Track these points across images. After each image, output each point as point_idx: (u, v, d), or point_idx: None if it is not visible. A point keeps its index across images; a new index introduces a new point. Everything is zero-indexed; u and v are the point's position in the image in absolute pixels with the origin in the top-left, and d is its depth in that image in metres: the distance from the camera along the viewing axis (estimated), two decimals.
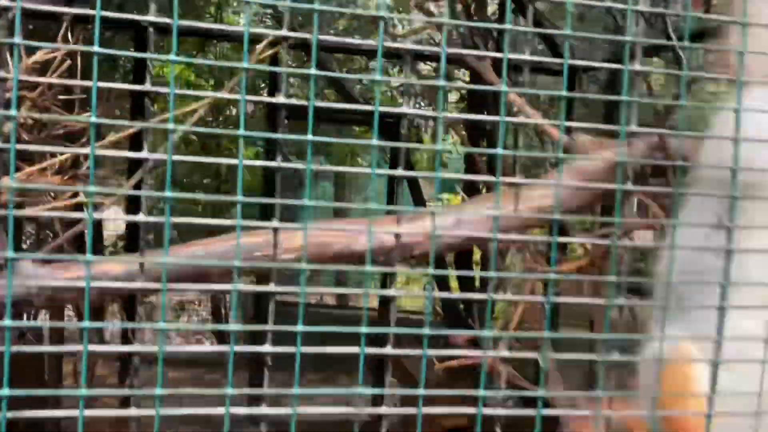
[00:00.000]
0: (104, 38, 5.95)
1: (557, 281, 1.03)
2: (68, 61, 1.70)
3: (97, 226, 7.08)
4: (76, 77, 1.98)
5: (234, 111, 7.53)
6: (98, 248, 6.74)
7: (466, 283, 5.77)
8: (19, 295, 1.44)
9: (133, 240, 4.75)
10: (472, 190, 5.28)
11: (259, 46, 1.92)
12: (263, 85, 6.81)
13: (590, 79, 5.97)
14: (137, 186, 4.79)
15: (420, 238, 1.40)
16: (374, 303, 7.93)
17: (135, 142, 4.62)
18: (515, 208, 1.49)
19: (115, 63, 5.90)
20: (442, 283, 5.93)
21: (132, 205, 4.61)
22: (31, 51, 1.84)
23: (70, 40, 1.80)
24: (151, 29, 0.61)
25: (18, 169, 1.86)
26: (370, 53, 6.43)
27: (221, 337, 7.44)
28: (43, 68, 1.76)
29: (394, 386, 5.52)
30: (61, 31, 1.81)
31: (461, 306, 5.92)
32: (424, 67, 6.21)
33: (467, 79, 6.51)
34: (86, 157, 1.94)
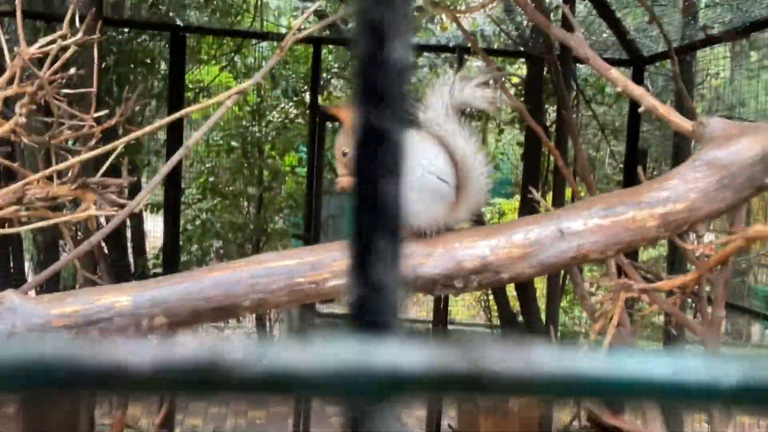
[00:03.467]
0: (140, 40, 5.79)
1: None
2: (71, 49, 1.42)
3: (139, 236, 6.93)
4: (90, 69, 1.70)
5: (275, 116, 7.30)
6: (140, 261, 6.58)
7: (522, 296, 5.38)
8: (1, 335, 1.16)
9: (173, 251, 4.53)
10: (527, 193, 4.89)
11: (284, 42, 1.61)
12: (305, 87, 6.56)
13: (656, 70, 5.52)
14: (174, 195, 4.49)
15: (516, 254, 1.07)
16: (422, 314, 7.59)
17: (172, 144, 4.39)
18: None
19: (152, 64, 5.72)
20: (500, 293, 5.56)
21: (170, 214, 4.38)
22: (33, 39, 1.57)
23: (77, 24, 1.53)
24: None
25: (17, 177, 1.60)
26: (416, 49, 6.11)
27: None
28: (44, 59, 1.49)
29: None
30: (68, 16, 1.54)
31: (519, 320, 5.53)
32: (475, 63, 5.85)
33: (523, 71, 6.14)
34: (97, 164, 1.66)
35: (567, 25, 4.16)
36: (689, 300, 2.23)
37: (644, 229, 1.12)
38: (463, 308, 7.55)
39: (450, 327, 6.12)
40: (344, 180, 1.26)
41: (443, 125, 1.21)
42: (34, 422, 2.60)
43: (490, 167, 1.25)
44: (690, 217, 1.13)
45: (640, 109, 1.35)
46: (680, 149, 4.79)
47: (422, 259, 1.13)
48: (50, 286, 4.26)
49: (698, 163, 1.15)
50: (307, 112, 5.77)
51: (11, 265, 5.28)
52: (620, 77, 1.37)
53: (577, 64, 4.76)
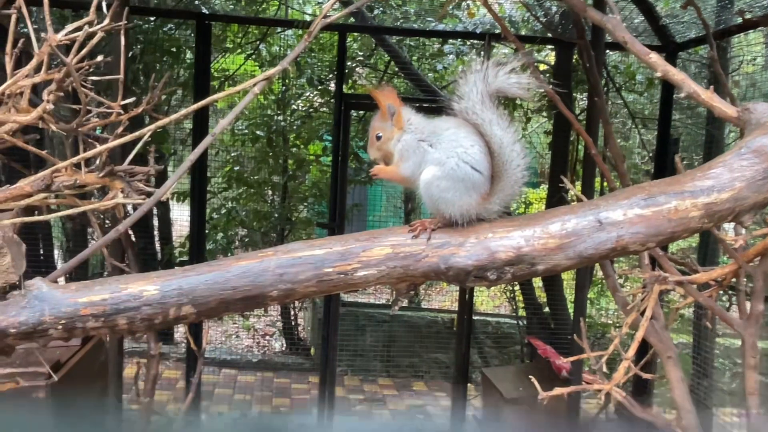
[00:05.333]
0: (166, 29, 5.80)
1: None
2: (98, 36, 1.41)
3: (166, 224, 6.97)
4: (117, 58, 1.69)
5: (300, 105, 7.28)
6: (166, 249, 6.62)
7: (549, 287, 5.32)
8: (30, 323, 1.15)
9: (199, 239, 4.54)
10: (555, 183, 4.83)
11: (311, 28, 1.57)
12: (330, 76, 6.53)
13: (688, 56, 5.40)
14: (200, 183, 4.49)
15: (552, 245, 1.03)
16: (446, 304, 7.54)
17: (198, 133, 4.40)
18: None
19: (177, 52, 5.73)
20: (526, 283, 5.50)
21: (196, 203, 4.39)
22: (61, 28, 1.56)
23: (104, 10, 1.51)
24: None
25: (45, 165, 1.59)
26: (443, 36, 6.03)
27: (290, 338, 7.23)
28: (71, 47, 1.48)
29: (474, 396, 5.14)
30: (94, 2, 1.52)
31: (545, 311, 5.47)
32: (503, 49, 5.77)
33: (550, 58, 6.04)
34: (124, 152, 1.65)
35: (599, 9, 4.08)
36: (720, 293, 2.17)
37: (687, 219, 1.07)
38: (487, 298, 7.49)
39: (475, 317, 6.08)
40: (377, 166, 1.23)
41: (480, 114, 1.17)
42: (63, 408, 2.63)
43: (528, 159, 1.21)
44: (735, 207, 1.08)
45: (681, 95, 1.31)
46: (713, 138, 4.68)
47: (455, 249, 1.09)
48: (79, 273, 4.31)
49: (744, 150, 1.09)
50: (332, 100, 5.74)
51: (40, 252, 5.35)
52: (660, 62, 1.32)
53: (607, 51, 4.67)
